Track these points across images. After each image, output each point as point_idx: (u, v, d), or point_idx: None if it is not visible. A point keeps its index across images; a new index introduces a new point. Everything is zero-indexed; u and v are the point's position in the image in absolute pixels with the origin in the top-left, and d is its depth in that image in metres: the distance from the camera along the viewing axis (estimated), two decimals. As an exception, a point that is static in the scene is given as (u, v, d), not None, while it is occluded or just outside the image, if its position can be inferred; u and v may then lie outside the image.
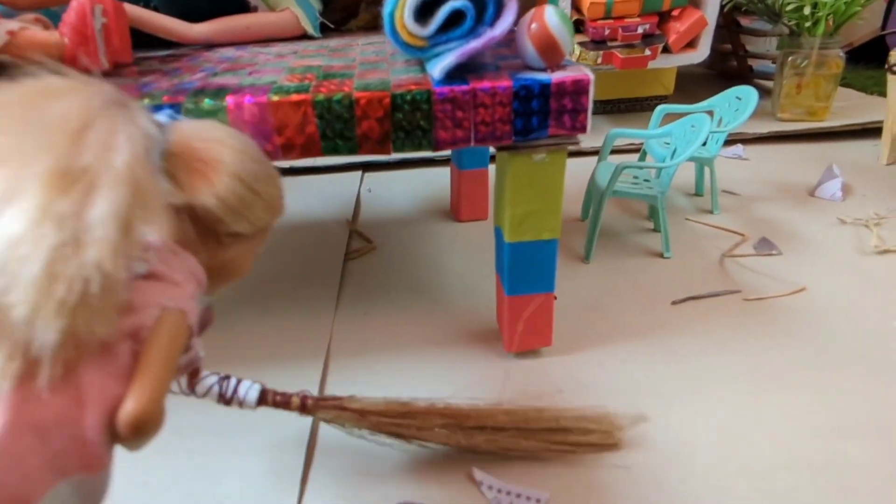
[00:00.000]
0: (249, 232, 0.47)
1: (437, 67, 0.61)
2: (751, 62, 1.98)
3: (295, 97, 0.59)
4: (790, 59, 1.55)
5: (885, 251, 1.03)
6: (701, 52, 1.53)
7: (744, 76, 1.96)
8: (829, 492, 0.61)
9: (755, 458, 0.65)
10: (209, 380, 0.55)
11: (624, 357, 0.82)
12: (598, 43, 1.47)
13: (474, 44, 0.60)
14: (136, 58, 0.82)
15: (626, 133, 1.10)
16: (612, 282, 0.99)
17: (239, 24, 0.87)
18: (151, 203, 0.38)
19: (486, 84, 0.61)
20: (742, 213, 1.20)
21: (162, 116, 0.45)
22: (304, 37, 0.95)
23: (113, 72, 0.73)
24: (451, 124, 0.62)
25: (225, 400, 0.56)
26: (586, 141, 1.60)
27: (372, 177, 1.48)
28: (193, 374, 0.53)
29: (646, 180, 1.07)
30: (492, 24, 0.61)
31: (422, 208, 1.30)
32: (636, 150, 1.41)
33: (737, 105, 1.14)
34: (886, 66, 1.34)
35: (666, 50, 1.52)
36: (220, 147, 0.44)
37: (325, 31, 1.04)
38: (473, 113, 0.62)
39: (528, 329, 0.80)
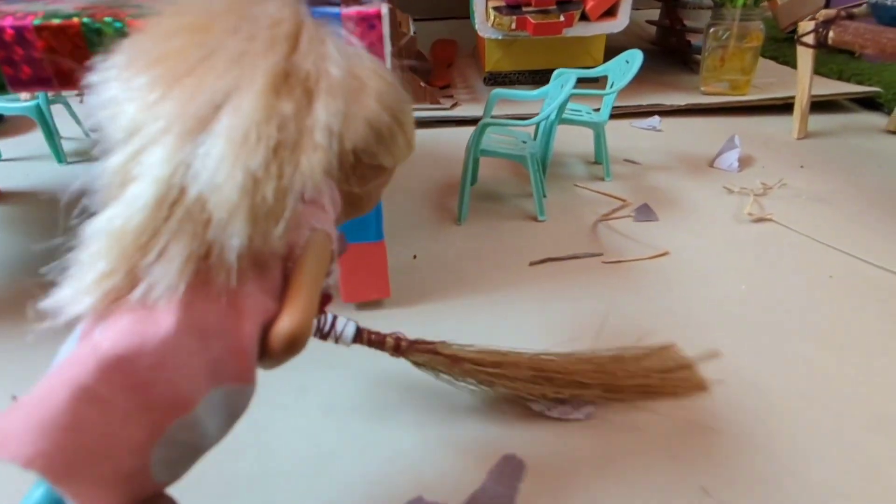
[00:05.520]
0: (390, 165, 0.45)
1: None
2: (691, 38, 1.95)
3: (59, 21, 0.56)
4: (712, 30, 1.52)
5: (759, 219, 1.02)
6: (621, 21, 1.50)
7: (682, 51, 1.93)
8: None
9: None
10: None
11: (459, 310, 0.81)
12: (513, 8, 1.44)
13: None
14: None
15: (507, 94, 1.08)
16: (479, 243, 0.97)
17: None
18: (355, 121, 0.38)
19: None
20: (634, 181, 1.18)
21: None
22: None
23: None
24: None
25: (322, 334, 0.55)
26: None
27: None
28: (324, 303, 0.51)
29: (524, 142, 1.05)
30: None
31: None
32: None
33: (626, 69, 1.12)
34: (795, 38, 1.31)
35: (585, 18, 1.50)
36: (364, 71, 0.42)
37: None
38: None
39: (364, 280, 0.79)
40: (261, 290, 0.35)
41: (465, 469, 0.58)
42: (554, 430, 0.62)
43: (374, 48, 0.61)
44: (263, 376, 0.73)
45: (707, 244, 0.96)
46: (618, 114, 1.51)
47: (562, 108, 1.09)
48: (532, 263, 0.92)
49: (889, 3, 1.11)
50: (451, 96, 1.63)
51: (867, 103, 1.61)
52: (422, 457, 0.59)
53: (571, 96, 1.08)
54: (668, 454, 0.59)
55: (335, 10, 0.59)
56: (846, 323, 0.77)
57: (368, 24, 0.59)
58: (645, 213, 1.05)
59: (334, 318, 0.56)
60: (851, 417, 0.63)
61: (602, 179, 1.18)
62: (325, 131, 0.34)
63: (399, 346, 0.60)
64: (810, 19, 1.28)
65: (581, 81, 1.20)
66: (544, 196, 1.11)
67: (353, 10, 0.59)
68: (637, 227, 1.02)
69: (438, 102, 1.52)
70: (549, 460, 0.58)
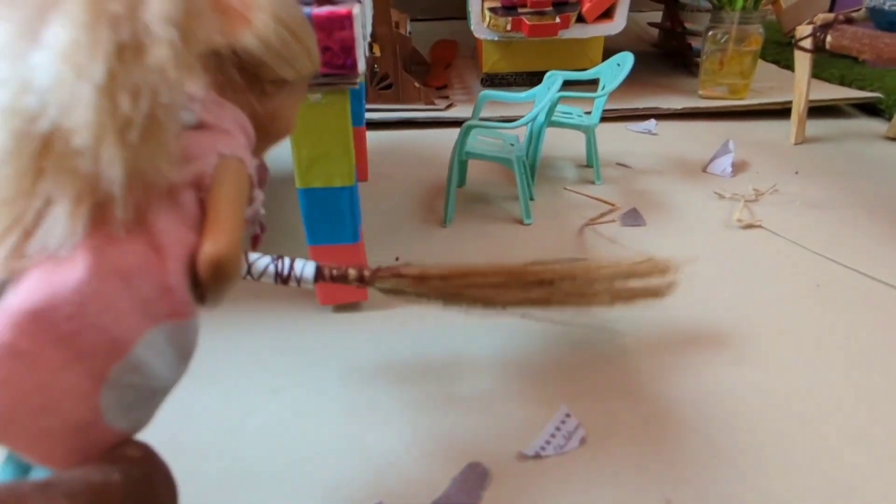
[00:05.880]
0: (293, 78, 0.45)
1: None
2: (692, 40, 1.94)
3: None
4: (710, 33, 1.51)
5: (749, 226, 1.01)
6: (618, 23, 1.49)
7: (683, 54, 1.91)
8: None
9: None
10: (262, 261, 0.52)
11: (437, 315, 0.78)
12: (509, 9, 1.44)
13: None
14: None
15: (496, 95, 1.07)
16: (463, 246, 0.97)
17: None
18: (204, 15, 0.35)
19: (243, 15, 0.58)
20: (625, 185, 1.17)
21: None
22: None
23: None
24: (206, 56, 0.60)
25: (282, 279, 0.53)
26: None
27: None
28: (256, 239, 0.51)
29: (512, 144, 1.05)
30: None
31: (306, 169, 1.27)
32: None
33: (617, 71, 1.10)
34: (793, 42, 1.30)
35: (582, 20, 1.48)
36: None
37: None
38: (229, 45, 0.59)
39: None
40: (179, 224, 0.35)
41: (430, 475, 0.57)
42: (521, 438, 0.61)
43: (345, 49, 0.60)
44: (236, 378, 0.73)
45: (693, 251, 0.94)
46: (613, 117, 1.50)
47: (551, 110, 1.08)
48: (515, 267, 0.91)
49: (887, 7, 1.09)
50: (447, 97, 1.62)
51: (868, 109, 1.58)
52: (387, 462, 0.59)
53: (563, 98, 1.08)
54: (634, 464, 0.58)
55: (307, 9, 0.58)
56: (830, 334, 0.76)
57: (339, 24, 0.59)
58: (632, 217, 1.03)
59: (292, 260, 0.55)
60: (830, 433, 0.61)
61: (592, 183, 1.17)
62: (164, 23, 0.31)
63: (363, 277, 0.58)
64: (808, 23, 1.27)
65: (575, 84, 1.19)
66: (532, 199, 1.10)
67: (324, 10, 0.58)
68: (623, 232, 1.00)
69: (433, 103, 1.52)
70: (513, 469, 0.58)
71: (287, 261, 0.55)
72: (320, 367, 0.71)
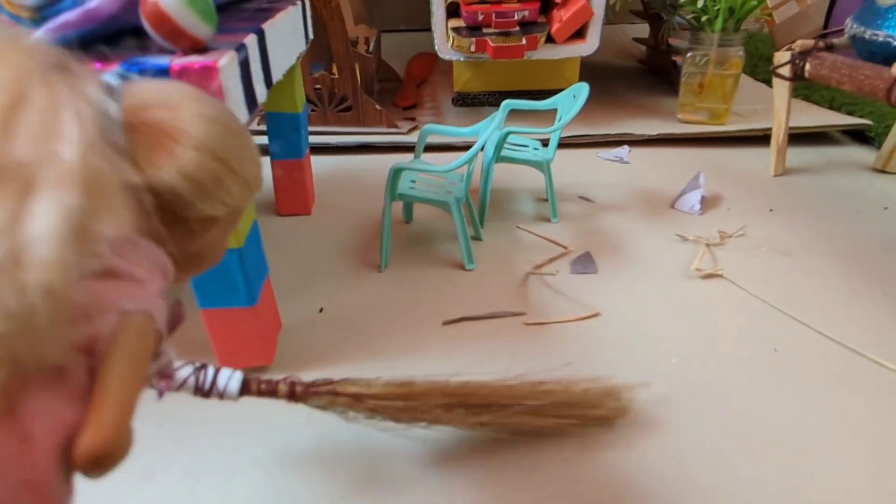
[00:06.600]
0: (223, 214, 0.39)
1: (27, 43, 0.52)
2: (679, 58, 1.85)
3: None
4: (689, 55, 1.43)
5: (709, 276, 0.93)
6: (590, 44, 1.41)
7: (667, 72, 1.83)
8: None
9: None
10: (183, 371, 0.49)
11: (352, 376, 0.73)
12: (473, 29, 1.36)
13: (67, 17, 0.51)
14: None
15: (439, 130, 1.00)
16: (396, 295, 0.90)
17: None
18: (113, 200, 0.30)
19: (97, 65, 0.52)
20: (583, 223, 1.09)
21: (111, 77, 0.35)
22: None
23: None
24: (55, 112, 0.53)
25: (203, 392, 0.50)
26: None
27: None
28: (165, 377, 0.47)
29: (454, 183, 0.97)
30: (101, -6, 0.52)
31: (250, 200, 1.20)
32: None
33: (573, 103, 1.03)
34: (771, 69, 1.21)
35: (552, 41, 1.41)
36: (185, 114, 0.36)
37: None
38: (80, 100, 0.53)
39: (238, 347, 0.71)
40: (59, 400, 0.29)
41: None
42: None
43: (213, 104, 0.53)
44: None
45: (644, 305, 0.87)
46: (584, 143, 1.42)
47: (500, 144, 1.01)
48: (445, 323, 0.83)
49: (867, 37, 1.01)
50: (414, 118, 1.55)
51: (858, 135, 1.49)
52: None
53: (517, 132, 1.01)
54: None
55: (164, 62, 0.52)
56: (779, 413, 0.68)
57: (203, 78, 0.52)
58: (583, 263, 0.96)
59: (216, 372, 0.52)
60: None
61: (549, 221, 1.09)
62: (54, 241, 0.26)
63: (294, 392, 0.55)
64: (786, 48, 1.18)
65: (533, 113, 1.12)
66: (480, 239, 1.03)
67: (183, 62, 0.52)
68: (572, 280, 0.93)
69: (395, 126, 1.45)
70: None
71: (210, 372, 0.51)
72: (209, 444, 0.65)
